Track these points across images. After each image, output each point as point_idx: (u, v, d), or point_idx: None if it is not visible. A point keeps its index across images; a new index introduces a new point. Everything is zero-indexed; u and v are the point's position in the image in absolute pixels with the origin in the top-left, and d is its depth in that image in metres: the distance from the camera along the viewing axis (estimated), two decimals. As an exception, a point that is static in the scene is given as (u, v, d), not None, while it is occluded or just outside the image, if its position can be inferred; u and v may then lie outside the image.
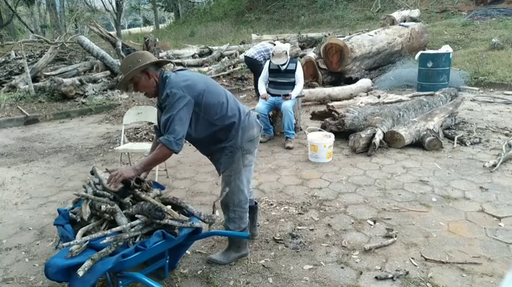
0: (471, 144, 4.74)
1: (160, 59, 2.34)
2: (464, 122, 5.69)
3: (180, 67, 2.45)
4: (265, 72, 5.29)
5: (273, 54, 5.16)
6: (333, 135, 4.57)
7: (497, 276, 2.39)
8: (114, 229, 2.17)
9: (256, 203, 2.93)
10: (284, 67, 5.10)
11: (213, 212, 2.37)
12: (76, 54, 11.85)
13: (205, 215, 2.37)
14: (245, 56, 7.48)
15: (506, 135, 5.03)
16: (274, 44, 7.37)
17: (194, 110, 2.27)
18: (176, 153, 2.23)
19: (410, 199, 3.47)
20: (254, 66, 7.21)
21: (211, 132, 2.39)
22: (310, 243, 2.85)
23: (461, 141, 4.80)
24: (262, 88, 5.27)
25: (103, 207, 2.25)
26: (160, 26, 31.43)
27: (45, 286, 2.51)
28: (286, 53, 5.10)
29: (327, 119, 5.34)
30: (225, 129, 2.39)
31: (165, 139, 2.18)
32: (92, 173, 2.62)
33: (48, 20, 25.69)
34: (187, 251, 2.76)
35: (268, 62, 5.32)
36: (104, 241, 2.02)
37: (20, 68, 9.82)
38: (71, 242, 2.04)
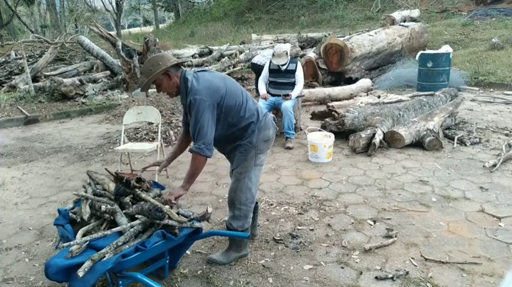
0: (471, 144, 4.74)
1: (179, 61, 2.40)
2: (464, 122, 5.69)
3: (201, 68, 2.48)
4: (265, 72, 5.29)
5: (273, 54, 5.15)
6: (333, 136, 4.57)
7: (497, 276, 2.39)
8: (114, 229, 2.17)
9: (257, 203, 2.93)
10: (284, 67, 5.09)
11: (206, 210, 2.35)
12: (76, 54, 11.86)
13: (198, 214, 2.36)
14: (253, 63, 7.32)
15: (506, 135, 5.03)
16: None
17: (216, 112, 2.32)
18: (209, 157, 2.31)
19: (410, 199, 3.47)
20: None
21: (230, 132, 2.45)
22: (310, 243, 2.85)
23: (461, 141, 4.80)
24: (262, 88, 5.27)
25: (103, 207, 2.25)
26: (160, 26, 31.42)
27: (45, 286, 2.51)
28: (287, 53, 5.10)
29: (327, 119, 5.34)
30: (242, 129, 2.44)
31: (196, 148, 2.27)
32: (90, 177, 2.64)
33: (48, 20, 25.68)
34: (187, 251, 2.76)
35: (268, 62, 5.32)
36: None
37: (20, 68, 9.83)
38: (71, 243, 2.04)
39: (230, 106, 2.35)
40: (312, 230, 3.03)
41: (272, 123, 2.57)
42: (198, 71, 2.42)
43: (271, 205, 3.48)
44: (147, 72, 2.31)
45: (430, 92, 5.99)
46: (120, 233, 2.16)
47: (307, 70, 8.77)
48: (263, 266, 2.61)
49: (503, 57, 8.96)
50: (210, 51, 12.11)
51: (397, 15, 11.92)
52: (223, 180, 4.04)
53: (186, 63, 2.25)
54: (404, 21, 11.26)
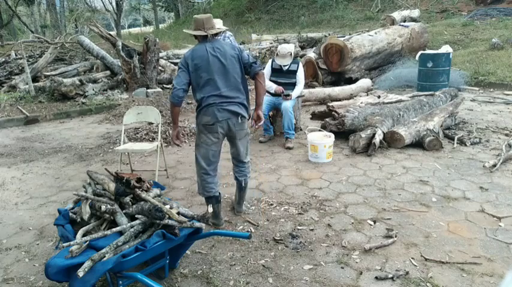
0: (471, 144, 4.74)
1: (200, 33, 2.92)
2: (464, 122, 5.69)
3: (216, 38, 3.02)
4: (267, 70, 5.26)
5: (277, 54, 5.13)
6: (333, 136, 4.57)
7: (497, 276, 2.39)
8: (114, 229, 2.17)
9: (244, 182, 3.23)
10: (286, 67, 5.09)
11: (207, 211, 2.36)
12: (76, 54, 11.86)
13: (198, 215, 2.37)
14: None
15: (506, 135, 5.03)
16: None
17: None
18: (174, 103, 2.84)
19: (410, 199, 3.47)
20: None
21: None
22: (310, 243, 2.85)
23: (461, 142, 4.80)
24: (272, 83, 5.16)
25: (103, 207, 2.25)
26: (160, 26, 31.42)
27: (45, 286, 2.51)
28: (291, 54, 5.08)
29: (327, 119, 5.34)
30: (197, 104, 2.95)
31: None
32: (90, 177, 2.64)
33: (48, 20, 25.65)
34: (187, 251, 2.76)
35: (270, 61, 5.30)
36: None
37: (20, 68, 9.83)
38: (71, 243, 2.04)
39: (192, 78, 2.85)
40: (312, 230, 3.03)
41: (214, 114, 2.84)
42: (204, 43, 2.92)
43: (271, 205, 3.48)
44: (205, 25, 2.90)
45: (430, 92, 5.99)
46: (120, 233, 2.16)
47: (307, 70, 8.77)
48: (263, 266, 2.61)
49: (503, 57, 8.96)
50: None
51: (397, 15, 11.92)
52: (223, 180, 4.04)
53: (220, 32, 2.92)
54: (405, 21, 11.26)
